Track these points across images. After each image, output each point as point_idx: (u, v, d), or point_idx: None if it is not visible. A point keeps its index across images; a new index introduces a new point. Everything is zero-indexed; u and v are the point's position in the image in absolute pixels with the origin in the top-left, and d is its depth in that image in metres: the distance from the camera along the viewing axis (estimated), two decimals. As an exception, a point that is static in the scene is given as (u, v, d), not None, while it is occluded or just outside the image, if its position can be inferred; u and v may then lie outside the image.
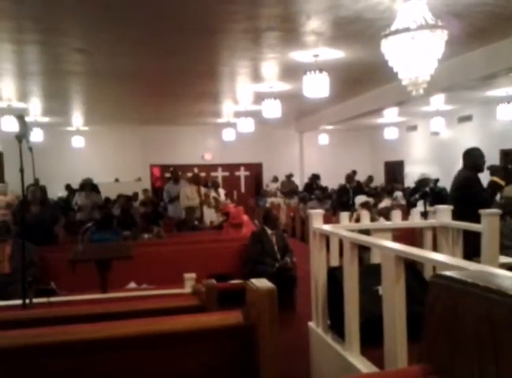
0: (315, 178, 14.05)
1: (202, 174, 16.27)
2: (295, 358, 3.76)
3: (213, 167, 16.77)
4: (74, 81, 8.54)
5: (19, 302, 3.04)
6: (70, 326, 1.49)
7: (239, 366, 1.46)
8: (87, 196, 9.34)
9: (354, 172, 12.39)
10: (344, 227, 3.20)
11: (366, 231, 3.30)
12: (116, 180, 14.99)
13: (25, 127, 2.89)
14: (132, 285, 5.20)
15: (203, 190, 9.10)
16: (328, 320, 3.27)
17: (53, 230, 6.01)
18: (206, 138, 16.29)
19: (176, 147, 15.82)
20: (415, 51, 4.04)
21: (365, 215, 3.57)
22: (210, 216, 8.98)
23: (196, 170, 16.14)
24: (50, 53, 6.53)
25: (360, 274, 2.80)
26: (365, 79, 8.96)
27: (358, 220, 4.30)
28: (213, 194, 9.22)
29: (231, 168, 17.08)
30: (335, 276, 3.09)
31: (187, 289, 3.50)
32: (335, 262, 3.33)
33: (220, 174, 16.80)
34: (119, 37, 5.85)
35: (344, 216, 3.45)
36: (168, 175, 14.78)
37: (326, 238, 3.25)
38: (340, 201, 10.59)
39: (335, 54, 6.85)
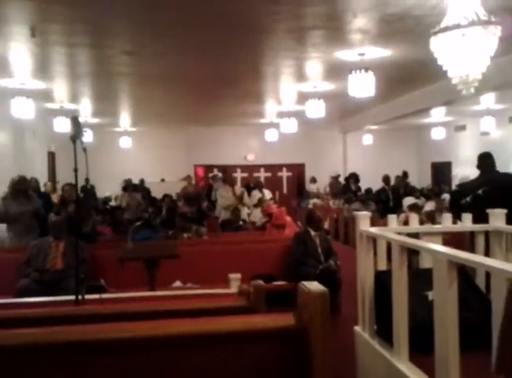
0: (351, 178, 13.60)
1: (245, 175, 16.38)
2: (340, 362, 3.71)
3: (256, 167, 16.81)
4: (122, 83, 8.78)
5: (72, 297, 3.14)
6: (126, 323, 1.53)
7: (290, 369, 1.45)
8: (130, 196, 9.56)
9: (405, 174, 12.09)
10: (392, 230, 3.13)
11: (415, 235, 3.22)
12: (162, 180, 15.27)
13: (79, 129, 2.98)
14: (178, 284, 5.28)
15: (238, 190, 9.12)
16: (375, 324, 3.21)
17: (94, 229, 6.14)
18: (249, 139, 16.35)
19: (220, 148, 15.96)
20: (466, 49, 3.89)
21: (414, 218, 3.48)
22: (253, 216, 9.00)
23: (239, 171, 16.27)
24: (100, 55, 6.73)
25: (408, 278, 2.73)
26: (411, 78, 8.75)
27: (406, 222, 4.19)
28: (258, 194, 9.23)
29: (274, 168, 17.07)
30: (382, 280, 3.02)
31: (233, 289, 3.51)
32: (382, 266, 3.26)
33: (262, 175, 16.82)
34: (165, 39, 5.97)
35: (392, 218, 3.37)
36: (210, 175, 14.96)
37: (373, 241, 3.19)
38: (379, 202, 10.38)
39: (381, 53, 6.72)
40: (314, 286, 1.52)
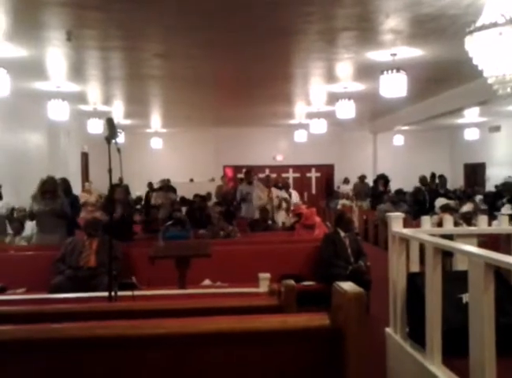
0: (380, 179, 13.35)
1: (273, 175, 16.39)
2: (371, 364, 3.67)
3: (284, 168, 16.80)
4: (153, 85, 8.92)
5: (105, 294, 3.20)
6: (162, 320, 1.56)
7: (324, 369, 1.45)
8: (164, 196, 9.69)
9: (433, 175, 11.87)
10: (426, 231, 3.08)
11: (448, 236, 3.16)
12: (191, 180, 15.43)
13: (114, 130, 3.04)
14: (207, 282, 5.32)
15: (275, 192, 9.13)
16: (407, 327, 3.17)
17: (132, 228, 6.28)
18: (278, 140, 16.36)
19: (249, 148, 16.03)
20: (503, 47, 3.80)
21: (448, 219, 3.41)
22: (282, 217, 8.99)
23: (268, 171, 16.26)
24: (132, 58, 6.87)
25: (442, 280, 2.69)
26: (444, 78, 8.60)
27: (439, 224, 4.12)
28: (284, 195, 9.22)
29: (303, 169, 17.03)
30: (415, 282, 2.98)
31: (262, 288, 3.52)
32: (415, 268, 3.22)
33: (291, 175, 16.80)
34: (196, 42, 6.04)
35: (426, 220, 3.32)
36: (240, 175, 15.03)
37: (406, 242, 3.15)
38: (416, 204, 10.20)
39: (413, 53, 6.63)
40: (349, 286, 1.52)
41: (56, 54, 6.54)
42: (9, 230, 6.86)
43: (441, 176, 11.98)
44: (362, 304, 1.43)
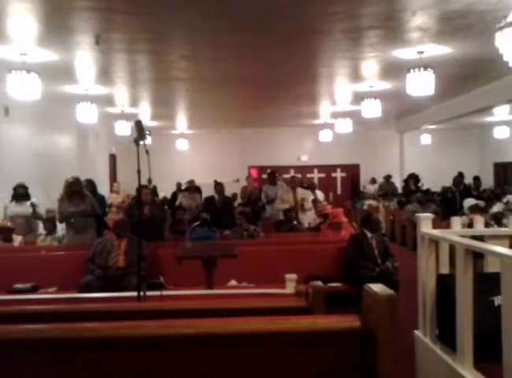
0: (411, 178, 13.19)
1: (298, 175, 16.34)
2: (400, 366, 3.63)
3: (309, 168, 16.73)
4: (180, 87, 9.01)
5: (134, 294, 3.26)
6: (192, 320, 1.58)
7: (354, 371, 1.45)
8: (190, 197, 9.78)
9: (461, 175, 11.63)
10: (456, 232, 3.03)
11: (479, 238, 3.10)
12: (215, 182, 15.49)
13: (142, 132, 3.09)
14: (233, 283, 5.35)
15: (300, 193, 9.09)
16: (437, 329, 3.12)
17: (162, 228, 6.36)
18: (303, 140, 16.31)
19: (273, 149, 16.02)
20: (535, 43, 3.72)
21: (478, 220, 3.35)
22: (308, 217, 8.95)
23: (292, 171, 16.23)
24: (159, 61, 6.95)
25: (473, 283, 2.64)
26: (473, 76, 8.43)
27: (469, 225, 4.04)
28: (310, 195, 9.18)
29: (328, 169, 16.93)
30: (445, 284, 2.93)
31: (289, 290, 3.53)
32: (444, 269, 3.16)
33: (316, 175, 16.73)
34: (221, 43, 6.07)
35: (456, 220, 3.26)
36: (265, 176, 15.05)
37: (435, 243, 3.10)
38: (445, 204, 10.02)
39: (441, 50, 6.52)
40: (380, 288, 1.50)
41: (85, 58, 6.67)
42: (41, 230, 7.02)
43: (476, 178, 11.72)
44: (394, 306, 1.42)
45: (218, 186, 8.76)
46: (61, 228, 6.89)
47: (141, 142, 3.17)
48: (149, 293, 3.33)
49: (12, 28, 5.36)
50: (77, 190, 6.08)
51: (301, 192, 8.92)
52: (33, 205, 6.78)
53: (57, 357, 1.66)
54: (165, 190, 14.33)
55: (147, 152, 3.10)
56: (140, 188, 3.39)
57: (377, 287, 1.52)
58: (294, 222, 8.24)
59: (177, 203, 9.96)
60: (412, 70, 6.56)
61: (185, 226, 7.05)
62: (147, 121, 12.87)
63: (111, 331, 1.57)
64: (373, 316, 1.43)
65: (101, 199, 7.32)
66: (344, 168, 16.97)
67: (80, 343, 1.65)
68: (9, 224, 6.37)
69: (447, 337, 2.92)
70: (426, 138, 15.48)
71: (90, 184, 7.04)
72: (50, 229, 6.66)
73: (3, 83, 6.49)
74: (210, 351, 1.48)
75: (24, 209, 6.73)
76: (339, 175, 17.10)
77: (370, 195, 14.07)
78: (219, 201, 8.53)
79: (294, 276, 3.66)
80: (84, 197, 6.12)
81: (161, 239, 5.75)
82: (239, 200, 11.74)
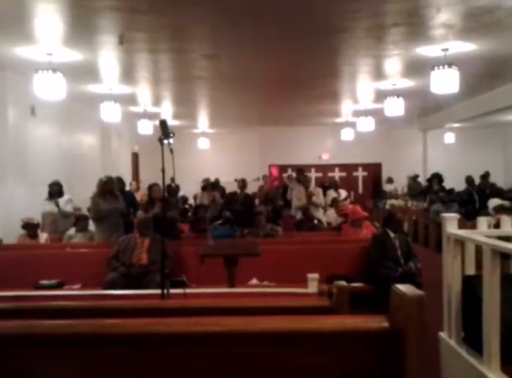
0: (434, 178, 13.00)
1: (319, 174, 16.26)
2: (424, 367, 3.59)
3: (330, 167, 16.64)
4: (201, 86, 9.06)
5: (158, 291, 3.29)
6: (221, 318, 1.58)
7: (381, 372, 1.43)
8: (209, 195, 9.83)
9: (487, 174, 11.42)
10: (482, 233, 2.97)
11: (506, 238, 3.03)
12: (235, 180, 15.52)
13: (167, 131, 3.12)
14: (254, 281, 5.35)
15: (315, 190, 9.07)
16: (462, 331, 3.07)
17: (175, 226, 6.39)
18: (324, 138, 16.24)
19: (294, 147, 15.98)
20: None
21: (506, 220, 3.28)
22: (328, 216, 8.92)
23: (313, 170, 16.17)
24: (181, 60, 7.00)
25: (500, 284, 2.58)
26: (499, 73, 8.27)
27: (496, 225, 3.96)
28: (333, 194, 9.15)
29: (349, 168, 16.81)
30: (471, 286, 2.88)
31: (311, 289, 3.51)
32: (470, 270, 3.11)
33: (337, 174, 16.62)
34: (244, 42, 6.09)
35: (482, 221, 3.20)
36: (285, 175, 15.03)
37: (461, 244, 3.05)
38: (463, 204, 9.86)
39: (466, 47, 6.42)
40: (409, 289, 1.49)
41: (108, 57, 6.77)
42: (68, 226, 7.08)
43: (484, 176, 11.45)
44: (423, 307, 1.40)
45: (241, 182, 8.82)
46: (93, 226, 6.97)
47: (165, 141, 3.19)
48: (172, 291, 3.36)
49: (39, 29, 5.47)
50: (110, 189, 6.19)
51: (313, 189, 8.90)
52: (57, 203, 6.88)
53: (83, 354, 1.68)
54: (186, 189, 14.42)
55: (171, 151, 3.12)
56: (165, 187, 3.41)
57: (405, 288, 1.50)
58: (315, 221, 8.22)
59: (199, 202, 10.01)
60: (436, 68, 6.48)
61: (206, 224, 7.08)
62: (169, 120, 12.89)
63: (139, 327, 1.59)
64: (402, 317, 1.41)
65: (131, 197, 7.40)
66: (366, 167, 16.82)
67: (108, 339, 1.67)
68: (35, 222, 6.48)
69: (472, 339, 2.87)
70: (450, 137, 15.24)
71: (120, 182, 7.14)
72: (82, 226, 6.70)
73: (30, 83, 6.62)
74: (238, 349, 1.48)
75: (53, 206, 6.85)
76: (360, 174, 16.96)
77: (393, 195, 13.92)
78: (240, 198, 8.56)
79: (316, 276, 3.64)
80: (116, 196, 6.23)
81: (174, 237, 5.76)
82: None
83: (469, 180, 10.82)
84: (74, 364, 1.67)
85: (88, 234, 6.67)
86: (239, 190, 8.68)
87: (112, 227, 6.12)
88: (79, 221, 6.71)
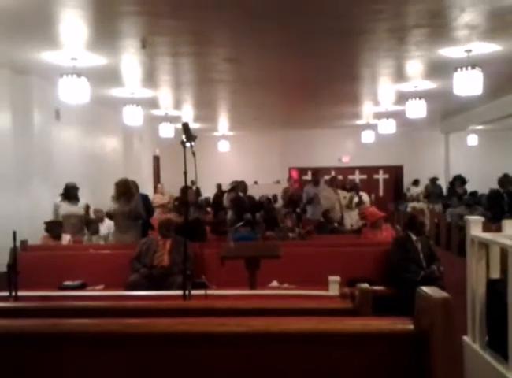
0: (456, 180, 12.78)
1: (340, 177, 16.17)
2: (450, 370, 3.53)
3: (351, 170, 16.54)
4: (222, 89, 9.11)
5: (179, 292, 3.31)
6: (247, 318, 1.59)
7: (405, 375, 1.43)
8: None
9: (506, 176, 11.15)
10: (508, 236, 2.92)
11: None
12: (255, 183, 15.55)
13: (190, 134, 3.15)
14: (275, 284, 5.35)
15: (341, 193, 9.03)
16: (487, 335, 3.02)
17: (204, 229, 6.45)
18: (344, 141, 16.16)
19: (314, 150, 15.95)
20: None
21: (531, 223, 3.22)
22: (351, 219, 8.86)
23: (333, 173, 16.09)
24: (202, 63, 7.06)
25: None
26: (524, 74, 8.11)
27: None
28: (356, 198, 9.09)
29: (370, 170, 16.68)
30: (496, 289, 2.84)
31: (332, 291, 3.50)
32: (495, 274, 3.06)
33: (357, 177, 16.51)
34: (264, 44, 6.10)
35: (508, 223, 3.15)
36: (305, 177, 15.00)
37: (486, 247, 3.00)
38: (492, 207, 9.66)
39: (490, 48, 6.32)
40: (434, 291, 1.48)
41: (131, 61, 6.86)
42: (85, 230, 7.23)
43: (505, 176, 11.17)
44: (450, 309, 1.39)
45: (241, 184, 8.85)
46: (107, 227, 7.09)
47: (187, 144, 3.22)
48: (193, 292, 3.38)
49: (64, 34, 5.58)
50: (123, 191, 6.28)
51: (341, 194, 8.88)
52: (87, 207, 7.03)
53: (111, 351, 1.70)
54: (208, 192, 14.49)
55: (194, 154, 3.15)
56: (186, 189, 3.44)
57: (431, 290, 1.49)
58: (335, 224, 8.18)
59: (224, 204, 10.04)
60: (459, 69, 6.39)
61: (227, 226, 7.11)
62: (190, 123, 12.99)
63: (164, 327, 1.61)
64: (428, 320, 1.40)
65: (145, 200, 7.48)
66: (387, 169, 16.67)
67: (134, 338, 1.69)
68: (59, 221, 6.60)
69: (497, 344, 2.83)
70: (473, 139, 15.01)
71: (134, 185, 7.23)
72: (94, 229, 6.87)
73: (55, 87, 6.76)
74: (263, 349, 1.49)
75: (78, 209, 6.97)
76: (381, 176, 16.82)
77: (414, 197, 13.76)
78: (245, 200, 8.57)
79: (337, 278, 3.63)
80: (130, 198, 6.30)
81: (202, 239, 5.81)
82: (279, 201, 11.72)
83: (503, 181, 10.51)
84: (100, 362, 1.69)
85: (102, 236, 6.84)
86: (241, 194, 8.69)
87: (123, 229, 6.26)
88: (89, 224, 6.86)
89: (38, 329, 1.74)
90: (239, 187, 8.95)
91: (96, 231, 6.98)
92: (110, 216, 6.41)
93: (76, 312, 2.51)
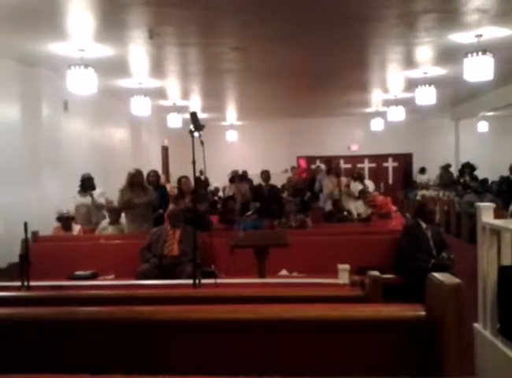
0: (465, 167, 12.69)
1: (348, 165, 16.11)
2: (461, 356, 3.53)
3: (360, 158, 16.46)
4: (230, 78, 9.07)
5: (190, 281, 3.34)
6: (259, 305, 1.60)
7: (417, 360, 1.43)
8: (236, 187, 9.87)
9: None
10: (519, 222, 2.91)
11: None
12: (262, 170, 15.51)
13: (198, 123, 3.14)
14: (284, 272, 5.36)
15: (344, 180, 8.99)
16: (498, 322, 3.01)
17: (206, 219, 6.43)
18: (353, 129, 16.07)
19: (323, 139, 15.88)
20: None
21: (544, 210, 3.19)
22: (358, 208, 8.83)
23: (342, 161, 16.03)
24: (210, 53, 7.03)
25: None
26: (536, 59, 7.98)
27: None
28: (359, 186, 9.04)
29: (379, 159, 16.59)
30: (508, 276, 2.83)
31: (342, 280, 3.50)
32: (506, 261, 3.04)
33: (366, 165, 16.44)
34: (271, 33, 6.05)
35: (520, 210, 3.13)
36: (313, 166, 14.94)
37: (497, 234, 2.98)
38: (504, 194, 9.59)
39: (501, 33, 6.22)
40: (446, 278, 1.47)
41: (138, 52, 6.85)
42: (101, 218, 7.23)
43: None
44: (461, 295, 1.39)
45: (264, 173, 8.81)
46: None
47: (195, 134, 3.22)
48: (203, 281, 3.40)
49: (71, 26, 5.58)
50: (138, 181, 6.29)
51: (344, 181, 8.83)
52: (91, 195, 7.02)
53: (124, 337, 1.73)
54: (217, 181, 14.51)
55: (202, 143, 3.15)
56: (196, 179, 3.45)
57: (443, 276, 1.49)
58: (345, 212, 8.15)
59: (226, 194, 10.07)
60: (470, 54, 6.30)
61: (235, 216, 7.12)
62: (198, 113, 13.01)
63: (176, 314, 1.63)
64: (439, 306, 1.40)
65: (164, 191, 7.49)
66: (396, 157, 16.57)
67: (147, 325, 1.72)
68: (69, 214, 6.63)
69: (509, 330, 2.82)
70: (483, 126, 14.85)
71: (155, 175, 7.27)
72: (114, 218, 6.81)
73: (63, 78, 6.77)
74: (275, 336, 1.50)
75: (86, 198, 7.01)
76: (390, 164, 16.73)
77: (424, 185, 13.69)
78: (266, 189, 8.57)
79: (347, 266, 3.63)
80: (145, 189, 6.32)
81: (204, 229, 5.80)
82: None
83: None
84: (115, 347, 1.72)
85: (120, 226, 6.78)
86: (263, 183, 8.68)
87: (139, 219, 6.24)
88: (111, 213, 6.83)
89: (55, 317, 1.77)
90: (261, 175, 8.95)
91: (116, 221, 6.84)
92: (131, 205, 6.26)
93: (88, 301, 2.54)
